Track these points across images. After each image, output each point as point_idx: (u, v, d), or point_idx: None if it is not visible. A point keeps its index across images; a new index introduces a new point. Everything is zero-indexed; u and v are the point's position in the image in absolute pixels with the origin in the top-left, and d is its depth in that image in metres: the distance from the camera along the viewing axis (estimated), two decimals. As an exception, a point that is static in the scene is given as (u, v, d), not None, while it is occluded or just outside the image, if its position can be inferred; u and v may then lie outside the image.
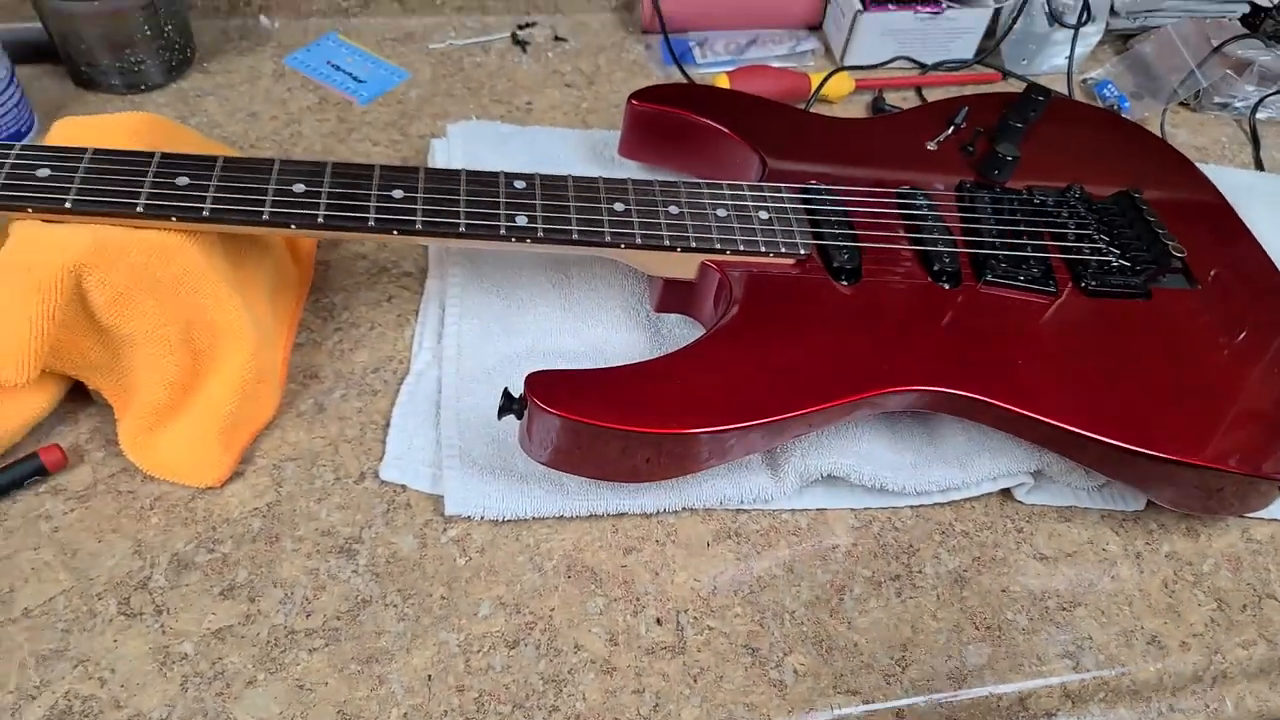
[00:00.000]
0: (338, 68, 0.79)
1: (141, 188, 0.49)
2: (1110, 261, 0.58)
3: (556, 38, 0.85)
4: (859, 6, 0.81)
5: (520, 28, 0.85)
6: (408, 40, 0.83)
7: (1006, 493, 0.56)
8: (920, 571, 0.52)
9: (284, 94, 0.77)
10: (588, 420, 0.45)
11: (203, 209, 0.49)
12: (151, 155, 0.51)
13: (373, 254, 0.64)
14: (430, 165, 0.69)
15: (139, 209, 0.48)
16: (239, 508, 0.51)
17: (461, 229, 0.52)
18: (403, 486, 0.53)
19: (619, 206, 0.54)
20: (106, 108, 0.74)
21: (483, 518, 0.51)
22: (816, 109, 0.80)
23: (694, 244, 0.54)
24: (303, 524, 0.51)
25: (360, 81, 0.78)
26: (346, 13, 0.84)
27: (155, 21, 0.72)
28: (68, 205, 0.48)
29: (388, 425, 0.55)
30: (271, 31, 0.82)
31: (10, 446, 0.51)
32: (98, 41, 0.71)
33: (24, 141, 0.69)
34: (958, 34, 0.84)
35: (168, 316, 0.50)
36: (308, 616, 0.47)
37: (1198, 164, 0.70)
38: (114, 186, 0.49)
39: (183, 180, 0.50)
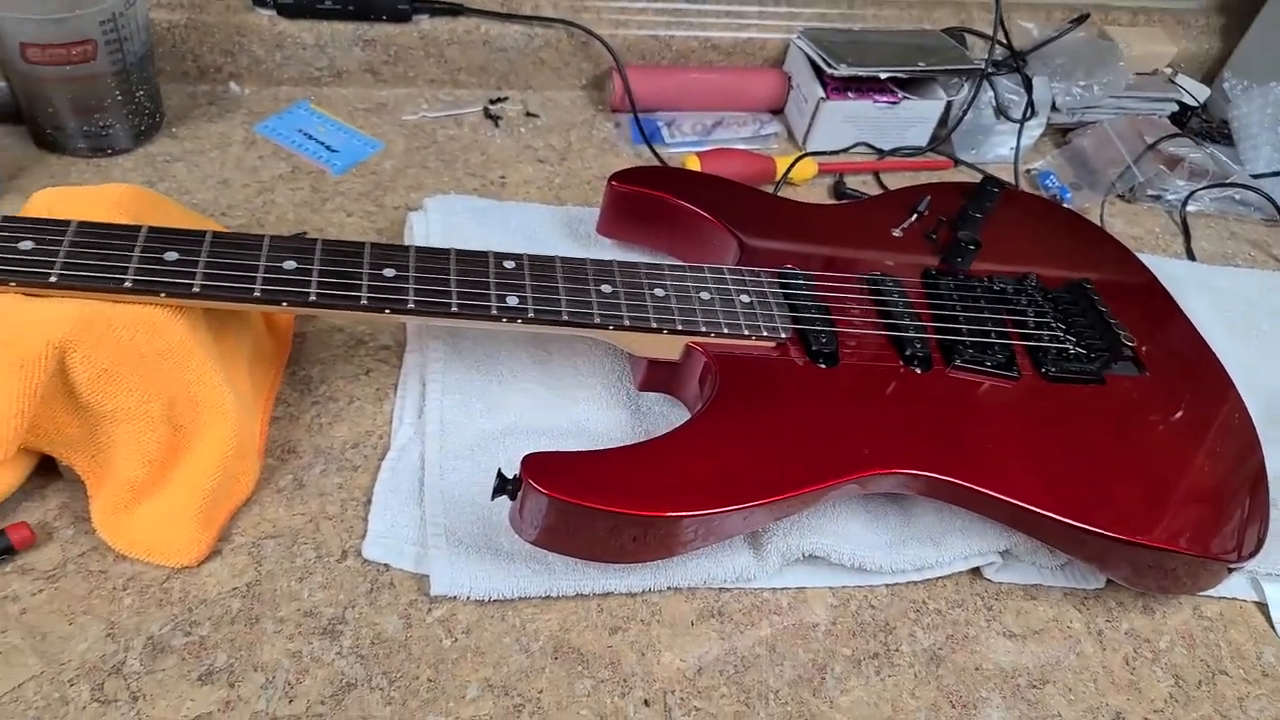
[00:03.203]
0: (310, 136, 0.80)
1: (129, 262, 0.48)
2: (1068, 349, 0.61)
3: (528, 113, 0.87)
4: (822, 95, 0.84)
5: (492, 102, 0.87)
6: (380, 111, 0.84)
7: (975, 570, 0.58)
8: (897, 650, 0.54)
9: (255, 162, 0.77)
10: (585, 503, 0.46)
11: (192, 285, 0.49)
12: (138, 229, 0.50)
13: (349, 327, 0.64)
14: (408, 238, 0.70)
15: (127, 284, 0.48)
16: (217, 588, 0.50)
17: (454, 309, 0.52)
18: (386, 565, 0.52)
19: (606, 288, 0.56)
20: (70, 171, 0.73)
21: (468, 598, 0.51)
22: (781, 191, 0.83)
23: (680, 326, 0.55)
24: (284, 604, 0.50)
25: (333, 151, 0.79)
26: (318, 82, 0.85)
27: (127, 86, 0.72)
28: (52, 280, 0.47)
29: (369, 502, 0.55)
30: (241, 98, 0.82)
31: (-26, 524, 0.50)
32: (67, 105, 0.70)
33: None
34: (912, 123, 0.88)
35: (151, 393, 0.49)
36: (290, 702, 0.46)
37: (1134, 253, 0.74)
38: (100, 261, 0.48)
39: (171, 255, 0.49)
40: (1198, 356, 0.66)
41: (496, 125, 0.85)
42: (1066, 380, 0.60)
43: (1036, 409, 0.59)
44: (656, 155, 0.84)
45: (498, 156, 0.82)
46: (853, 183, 0.86)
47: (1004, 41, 0.90)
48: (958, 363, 0.59)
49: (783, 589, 0.55)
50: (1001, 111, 0.89)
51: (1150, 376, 0.62)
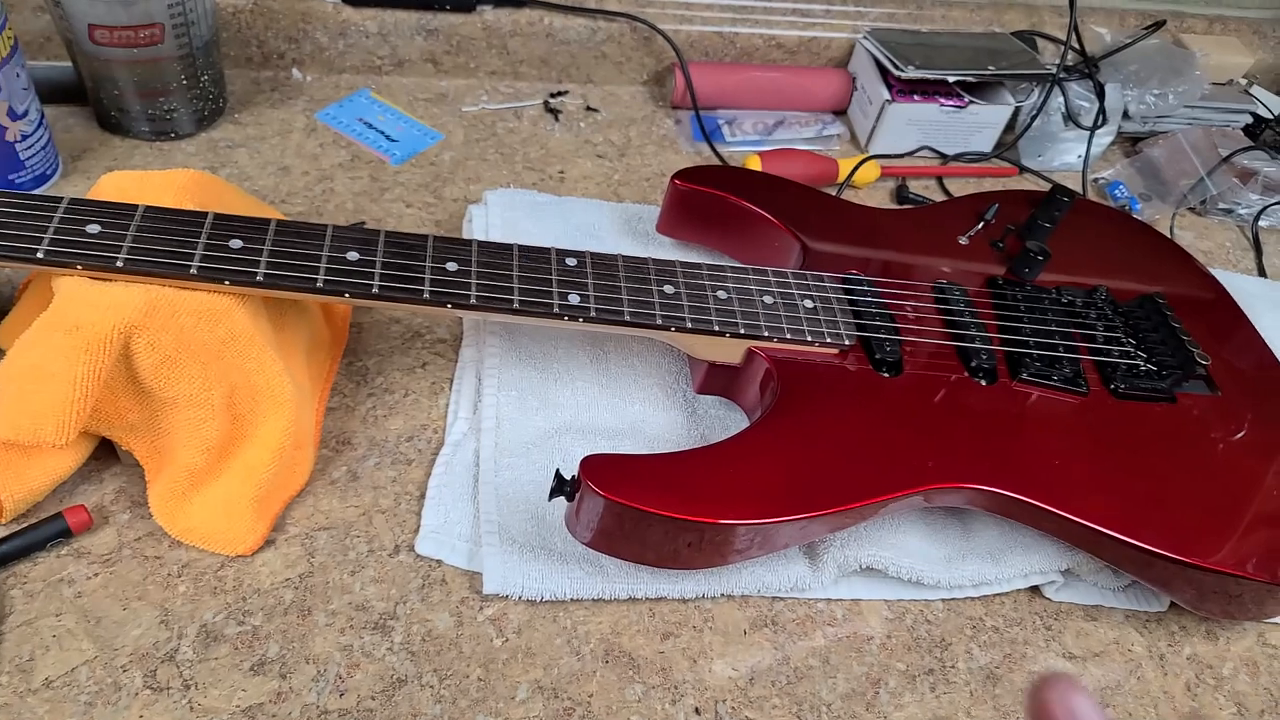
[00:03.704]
0: (370, 125, 0.80)
1: (195, 249, 0.48)
2: (1139, 365, 0.59)
3: (588, 108, 0.86)
4: (887, 96, 0.83)
5: (552, 95, 0.87)
6: (440, 101, 0.84)
7: (1034, 589, 0.57)
8: (953, 666, 0.52)
9: (316, 149, 0.77)
10: (642, 507, 0.45)
11: (257, 274, 0.49)
12: (204, 216, 0.50)
13: (407, 319, 0.64)
14: (467, 231, 0.70)
15: (192, 271, 0.48)
16: (270, 578, 0.50)
17: (515, 305, 0.52)
18: (438, 561, 0.52)
19: (668, 289, 0.55)
20: (133, 154, 0.73)
21: (520, 597, 0.51)
22: (842, 194, 0.81)
23: (742, 330, 0.54)
24: (336, 597, 0.50)
25: (393, 140, 0.79)
26: (379, 70, 0.85)
27: (192, 71, 0.72)
28: (119, 264, 0.47)
29: (422, 496, 0.54)
30: (303, 85, 0.83)
31: (33, 506, 0.50)
32: (132, 87, 0.71)
33: (49, 185, 0.69)
34: (978, 128, 0.86)
35: (212, 380, 0.49)
36: (341, 696, 0.46)
37: (1204, 268, 0.72)
38: (167, 247, 0.48)
39: (236, 243, 0.49)
40: (1272, 377, 0.64)
41: (556, 119, 0.85)
42: (1136, 397, 0.58)
43: (1104, 426, 0.57)
44: (717, 154, 0.83)
45: (557, 151, 0.81)
46: (914, 187, 0.84)
47: (1076, 47, 0.87)
48: (1024, 376, 0.57)
49: (838, 600, 0.54)
50: (1072, 118, 0.86)
51: (1223, 396, 0.60)
